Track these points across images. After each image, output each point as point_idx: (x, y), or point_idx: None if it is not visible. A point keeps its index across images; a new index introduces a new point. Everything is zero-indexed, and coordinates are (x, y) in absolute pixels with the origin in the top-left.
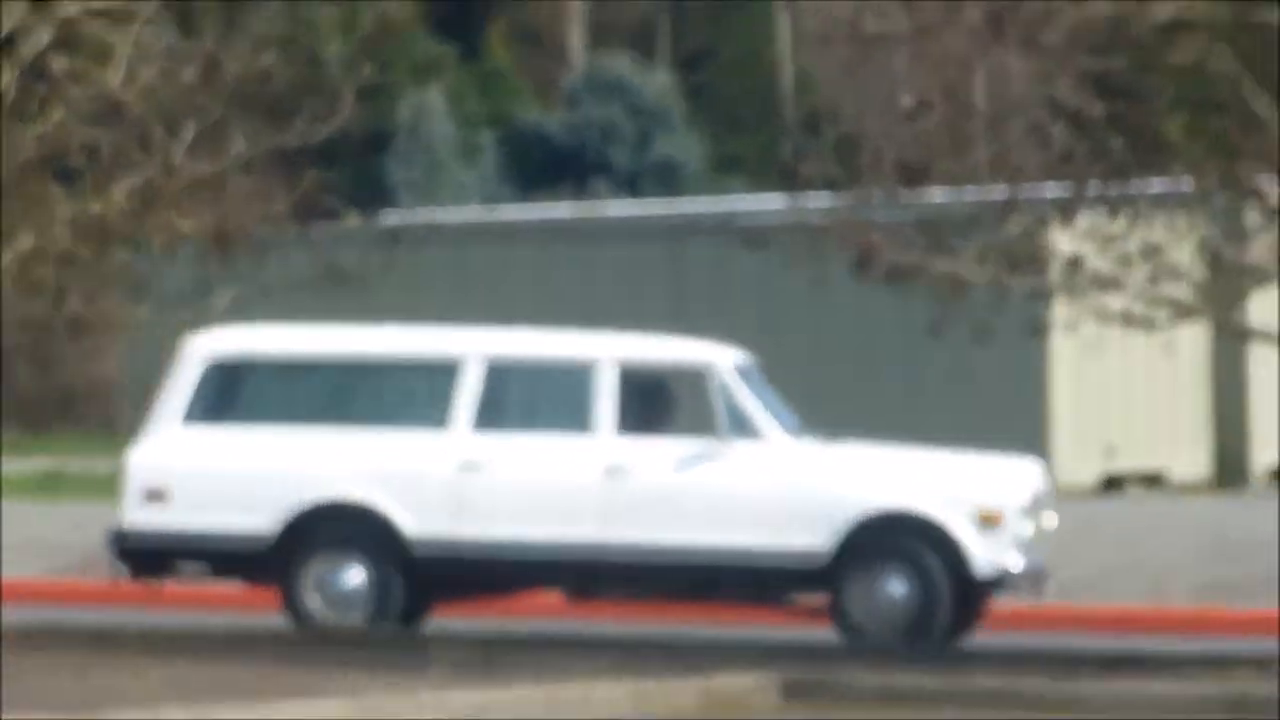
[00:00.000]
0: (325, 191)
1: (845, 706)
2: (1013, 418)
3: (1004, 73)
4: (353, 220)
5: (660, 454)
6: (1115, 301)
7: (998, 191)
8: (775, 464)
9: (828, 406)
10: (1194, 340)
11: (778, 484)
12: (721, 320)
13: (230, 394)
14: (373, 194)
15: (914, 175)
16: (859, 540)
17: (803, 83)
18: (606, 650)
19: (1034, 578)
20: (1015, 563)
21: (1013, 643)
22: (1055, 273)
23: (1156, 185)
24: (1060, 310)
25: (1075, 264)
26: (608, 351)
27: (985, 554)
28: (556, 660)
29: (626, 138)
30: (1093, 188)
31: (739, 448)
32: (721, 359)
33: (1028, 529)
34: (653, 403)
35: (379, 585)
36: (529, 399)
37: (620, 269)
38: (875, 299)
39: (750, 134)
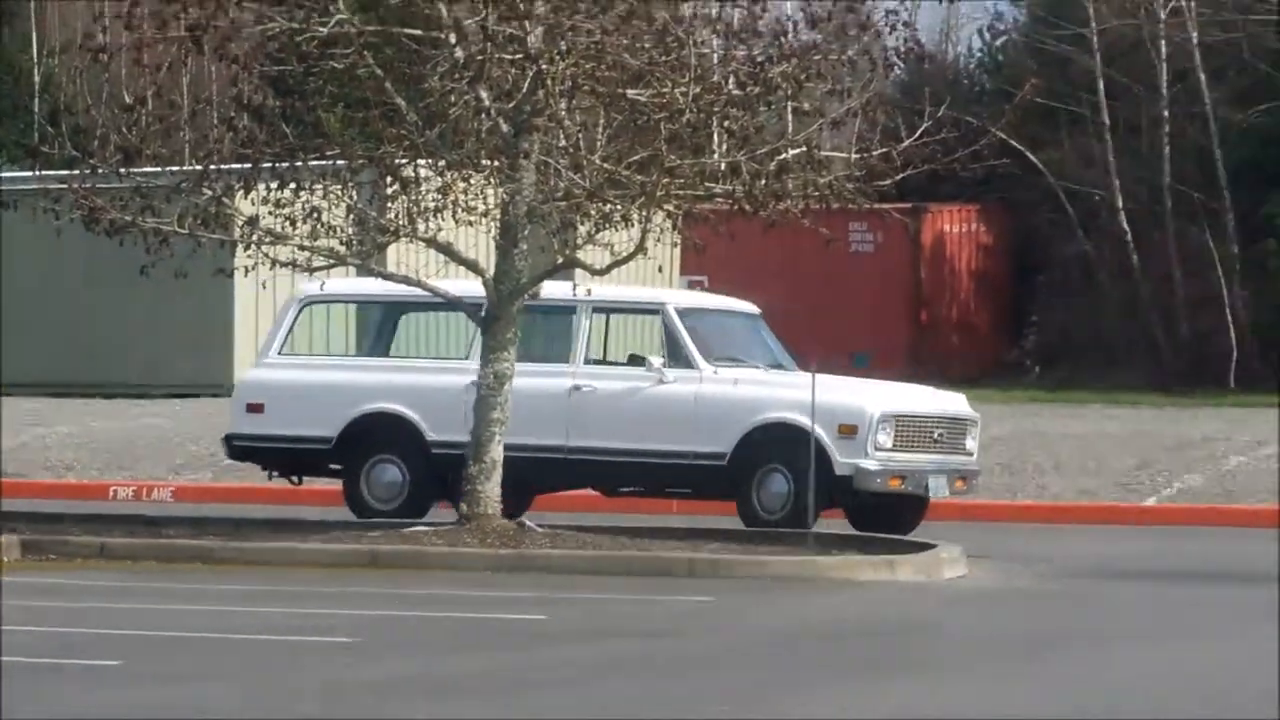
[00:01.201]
0: None
1: (69, 560)
2: (207, 340)
3: (203, 75)
4: None
5: (614, 379)
6: (283, 252)
7: (196, 167)
8: (697, 388)
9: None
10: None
11: (695, 403)
12: None
13: (317, 330)
14: None
15: (130, 155)
16: (750, 446)
17: (48, 81)
18: None
19: (900, 477)
20: (870, 464)
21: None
22: (238, 230)
23: (318, 163)
24: (241, 258)
25: (253, 223)
26: (583, 295)
27: (843, 456)
28: None
29: None
30: (268, 165)
31: (675, 375)
32: (673, 302)
33: (887, 439)
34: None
35: (411, 480)
36: (528, 335)
37: None
38: (102, 248)
39: (7, 122)
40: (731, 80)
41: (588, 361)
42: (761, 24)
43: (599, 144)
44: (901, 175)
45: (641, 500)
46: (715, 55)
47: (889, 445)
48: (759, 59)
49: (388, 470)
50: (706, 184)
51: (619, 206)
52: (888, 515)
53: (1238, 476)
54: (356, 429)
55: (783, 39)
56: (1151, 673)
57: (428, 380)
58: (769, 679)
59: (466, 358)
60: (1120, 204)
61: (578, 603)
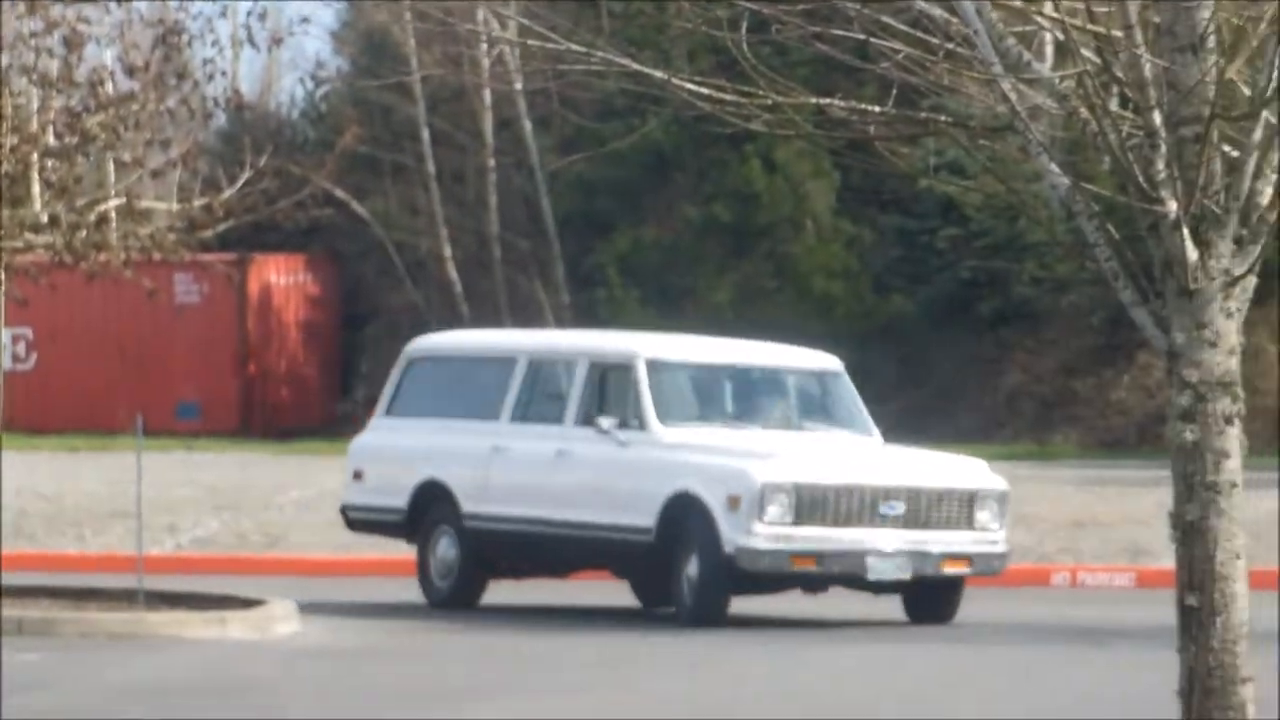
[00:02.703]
0: None
1: None
2: None
3: None
4: None
5: (592, 440)
6: None
7: None
8: (640, 451)
9: None
10: None
11: (627, 469)
12: None
13: (413, 389)
14: None
15: None
16: (667, 519)
17: None
18: None
19: (811, 556)
20: (754, 539)
21: None
22: None
23: None
24: None
25: None
26: (579, 348)
27: (730, 531)
28: None
29: None
30: None
31: (628, 436)
32: (645, 352)
33: (782, 512)
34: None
35: (460, 555)
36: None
37: None
38: None
39: None
40: (49, 130)
41: (578, 423)
42: (78, 73)
43: None
44: (224, 226)
45: None
46: (33, 105)
47: (787, 519)
48: (76, 109)
49: (444, 544)
50: (26, 235)
51: None
52: (927, 598)
53: None
54: (420, 499)
55: (100, 88)
56: None
57: (464, 444)
58: None
59: (497, 418)
60: (449, 254)
61: None
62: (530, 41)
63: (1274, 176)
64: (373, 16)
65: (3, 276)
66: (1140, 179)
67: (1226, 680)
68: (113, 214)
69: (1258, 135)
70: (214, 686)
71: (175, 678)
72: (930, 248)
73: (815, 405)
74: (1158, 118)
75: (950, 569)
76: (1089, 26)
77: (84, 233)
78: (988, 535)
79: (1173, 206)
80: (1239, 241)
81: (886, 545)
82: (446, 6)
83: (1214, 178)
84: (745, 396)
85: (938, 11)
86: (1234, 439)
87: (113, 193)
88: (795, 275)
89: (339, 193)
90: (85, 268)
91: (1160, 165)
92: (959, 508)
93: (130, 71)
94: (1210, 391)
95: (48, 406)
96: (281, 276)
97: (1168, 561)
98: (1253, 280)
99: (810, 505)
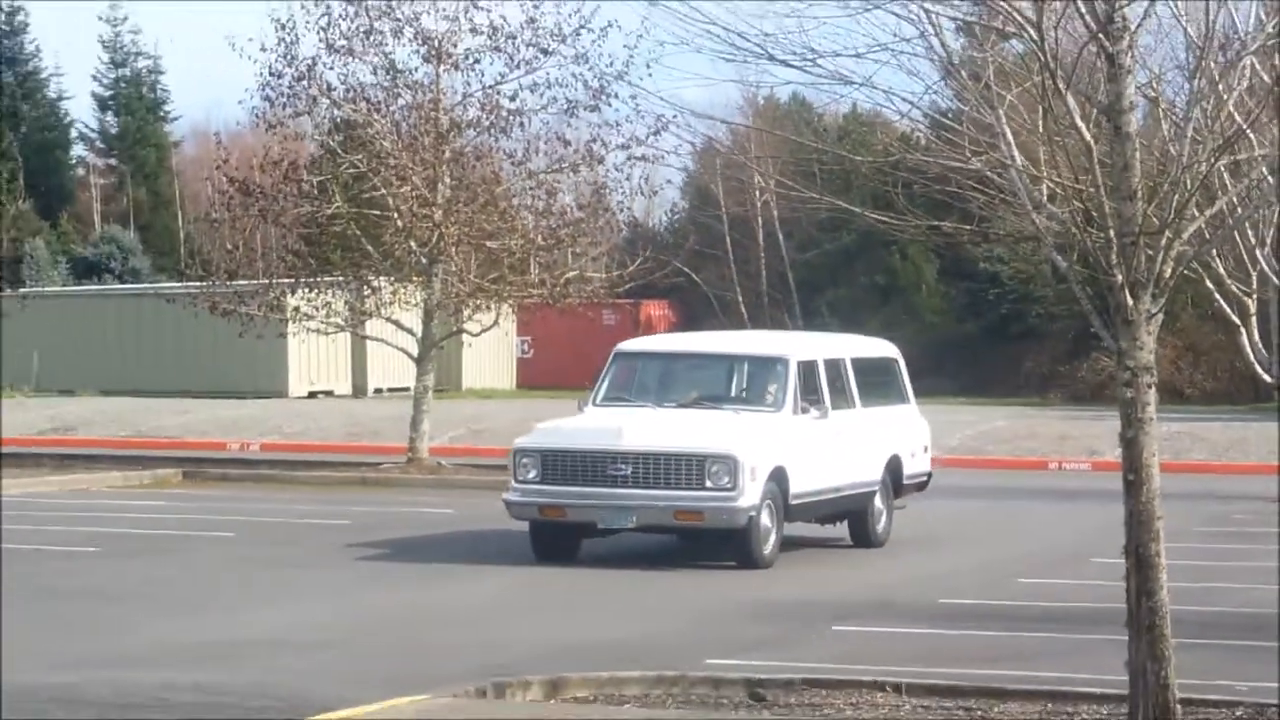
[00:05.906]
0: None
1: (204, 481)
2: (268, 368)
3: (267, 232)
4: None
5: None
6: (310, 325)
7: (265, 281)
8: None
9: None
10: None
11: None
12: None
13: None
14: None
15: (231, 275)
16: None
17: (187, 235)
18: None
19: (556, 508)
20: (511, 494)
21: None
22: (289, 313)
23: (328, 279)
24: (291, 327)
25: (296, 310)
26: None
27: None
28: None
29: None
30: (303, 280)
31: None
32: (623, 346)
33: (531, 473)
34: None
35: None
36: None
37: None
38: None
39: (166, 256)
40: (540, 236)
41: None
42: (554, 208)
43: (472, 269)
44: (627, 286)
45: None
46: (531, 223)
47: (535, 479)
48: (553, 226)
49: None
50: (529, 290)
51: (482, 303)
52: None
53: None
54: None
55: (564, 215)
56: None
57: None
58: None
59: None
60: (740, 299)
61: (473, 504)
62: (782, 191)
63: (1171, 263)
64: (700, 179)
65: (516, 311)
66: (1102, 263)
67: (1150, 517)
68: (572, 279)
69: (1163, 243)
70: None
71: None
72: (983, 298)
73: (741, 386)
74: (1111, 233)
75: (682, 521)
76: (1074, 185)
77: (557, 289)
78: (720, 494)
79: (1119, 278)
80: (1154, 296)
81: (615, 500)
82: (739, 177)
83: (1141, 263)
84: (680, 380)
85: (992, 174)
86: (1151, 394)
87: (571, 269)
88: (916, 313)
89: (684, 268)
90: (558, 307)
91: (1113, 256)
92: (689, 470)
93: (580, 207)
94: (1139, 371)
95: (541, 376)
96: (656, 312)
97: (1112, 457)
98: (1161, 316)
99: (554, 467)
